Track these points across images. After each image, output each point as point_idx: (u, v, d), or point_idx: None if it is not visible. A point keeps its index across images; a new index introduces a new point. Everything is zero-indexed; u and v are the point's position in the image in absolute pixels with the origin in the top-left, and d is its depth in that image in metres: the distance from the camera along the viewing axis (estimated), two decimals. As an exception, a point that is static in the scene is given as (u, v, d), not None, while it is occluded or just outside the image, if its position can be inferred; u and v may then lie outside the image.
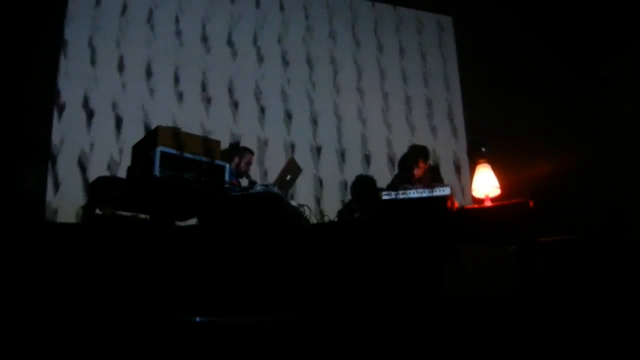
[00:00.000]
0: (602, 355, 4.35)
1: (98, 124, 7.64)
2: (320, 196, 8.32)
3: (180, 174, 4.86)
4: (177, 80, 8.19)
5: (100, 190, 4.91)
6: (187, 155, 4.96)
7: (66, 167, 7.30)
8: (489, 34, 8.79)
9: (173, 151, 4.89)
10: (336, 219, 6.34)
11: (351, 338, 4.52)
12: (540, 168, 7.35)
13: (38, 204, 6.90)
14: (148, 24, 8.28)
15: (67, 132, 7.45)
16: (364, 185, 7.29)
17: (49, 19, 7.67)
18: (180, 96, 8.13)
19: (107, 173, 7.15)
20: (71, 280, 4.33)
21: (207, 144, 5.28)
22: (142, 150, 5.03)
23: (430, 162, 6.96)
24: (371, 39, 9.36)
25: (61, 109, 7.51)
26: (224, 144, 6.82)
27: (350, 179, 8.01)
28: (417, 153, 6.71)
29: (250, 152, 6.90)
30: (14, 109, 6.95)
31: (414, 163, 6.59)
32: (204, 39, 8.52)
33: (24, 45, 7.24)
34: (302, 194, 7.87)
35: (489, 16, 8.83)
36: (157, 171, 4.72)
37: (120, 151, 7.52)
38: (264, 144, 8.29)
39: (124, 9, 8.21)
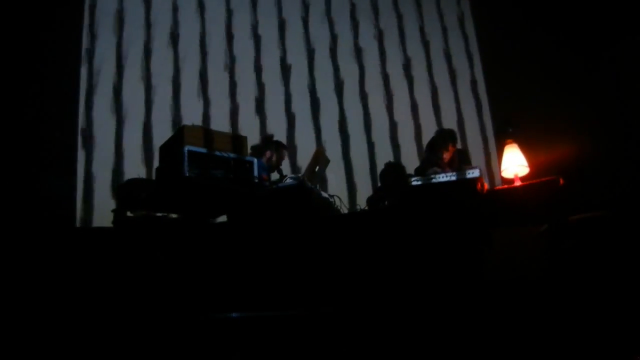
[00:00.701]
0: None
1: (127, 126, 7.70)
2: (350, 186, 8.31)
3: (208, 172, 4.88)
4: (203, 77, 8.22)
5: (129, 193, 4.94)
6: (215, 152, 4.99)
7: (97, 170, 7.38)
8: (508, 10, 8.70)
9: (200, 149, 4.92)
10: (366, 208, 6.33)
11: (391, 326, 4.52)
12: (569, 145, 7.27)
13: (68, 209, 6.96)
14: (172, 24, 8.34)
15: (95, 135, 7.53)
16: (393, 172, 7.27)
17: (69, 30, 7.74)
18: (205, 92, 8.15)
19: (136, 175, 7.20)
20: (109, 282, 4.37)
21: (234, 140, 5.30)
22: (170, 151, 5.07)
23: (458, 145, 6.91)
24: (393, 23, 9.31)
25: (89, 110, 7.59)
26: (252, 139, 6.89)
27: (380, 165, 8.02)
28: (446, 137, 6.66)
29: (284, 146, 6.89)
30: (35, 114, 7.01)
31: (443, 147, 6.54)
32: (229, 33, 8.54)
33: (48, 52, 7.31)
34: (333, 185, 7.88)
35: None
36: (185, 170, 4.75)
37: (149, 152, 7.58)
38: (291, 136, 8.29)
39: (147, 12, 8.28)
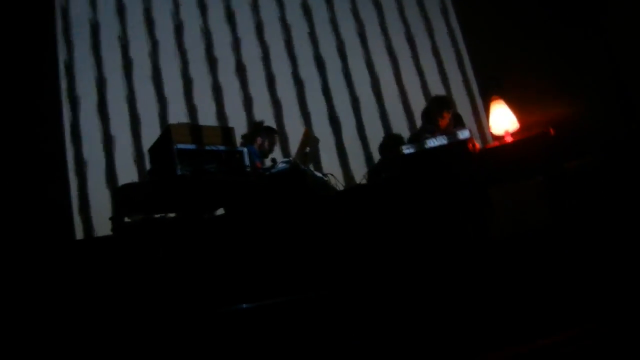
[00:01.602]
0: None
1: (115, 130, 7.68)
2: (344, 162, 8.29)
3: (200, 167, 4.88)
4: (185, 72, 8.18)
5: (125, 198, 4.94)
6: (204, 147, 4.99)
7: (91, 179, 7.36)
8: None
9: (190, 146, 4.92)
10: (365, 181, 6.34)
11: (401, 297, 4.53)
12: (556, 95, 7.24)
13: (65, 219, 6.95)
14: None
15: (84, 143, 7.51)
16: (390, 143, 7.28)
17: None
18: (189, 86, 8.11)
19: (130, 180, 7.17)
20: (115, 291, 4.38)
21: (223, 132, 5.30)
22: (159, 151, 5.07)
23: (453, 109, 6.90)
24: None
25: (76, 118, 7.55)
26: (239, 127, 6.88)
27: (371, 137, 8.03)
28: (440, 104, 6.65)
29: (274, 131, 6.89)
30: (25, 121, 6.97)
31: (438, 115, 6.52)
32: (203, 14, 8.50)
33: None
34: (326, 163, 7.88)
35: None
36: (177, 169, 4.76)
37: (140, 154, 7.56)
38: (278, 120, 8.26)
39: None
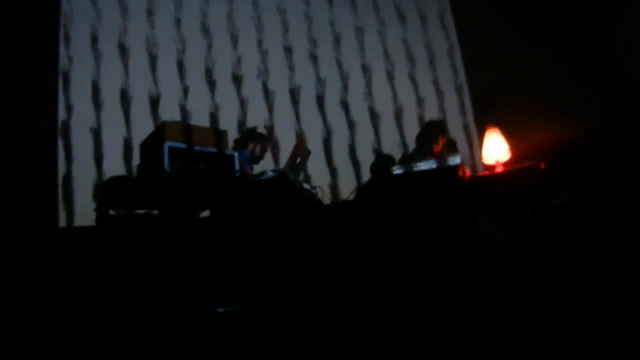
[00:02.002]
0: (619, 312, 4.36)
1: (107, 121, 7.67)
2: (333, 177, 8.30)
3: (189, 167, 4.88)
4: (181, 71, 8.18)
5: (111, 191, 4.92)
6: (196, 147, 4.98)
7: (79, 167, 7.34)
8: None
9: (181, 145, 4.91)
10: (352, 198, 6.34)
11: (375, 314, 4.53)
12: (550, 130, 7.28)
13: (51, 208, 6.93)
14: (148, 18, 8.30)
15: (76, 134, 7.49)
16: (382, 164, 7.29)
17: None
18: (185, 87, 8.11)
19: (119, 172, 7.16)
20: (92, 281, 4.35)
21: (215, 134, 5.30)
22: (151, 147, 5.06)
23: (448, 135, 6.90)
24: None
25: (69, 111, 7.53)
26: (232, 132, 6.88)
27: (362, 156, 8.05)
28: (435, 129, 6.64)
29: (266, 138, 6.89)
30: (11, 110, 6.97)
31: (433, 140, 6.52)
32: (204, 26, 8.51)
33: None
34: (315, 177, 7.89)
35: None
36: (166, 167, 4.75)
37: (131, 148, 7.55)
38: (270, 128, 8.27)
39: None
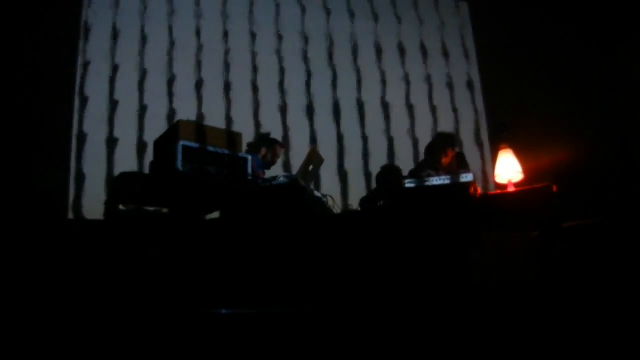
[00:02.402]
0: (625, 342, 4.32)
1: (121, 118, 7.71)
2: (344, 186, 8.30)
3: (202, 167, 4.88)
4: (198, 73, 8.22)
5: (122, 186, 4.92)
6: (209, 148, 4.99)
7: (90, 163, 7.37)
8: (506, 16, 8.74)
9: (195, 145, 4.91)
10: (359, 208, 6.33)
11: (377, 326, 4.52)
12: (563, 152, 7.27)
13: (60, 200, 6.95)
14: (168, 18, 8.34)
15: (90, 127, 7.52)
16: (388, 174, 7.26)
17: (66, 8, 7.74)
18: (201, 89, 8.15)
19: (131, 168, 7.19)
20: (95, 276, 4.36)
21: (229, 136, 5.30)
22: (164, 145, 5.06)
23: (457, 148, 6.88)
24: (390, 22, 9.31)
25: (84, 103, 7.58)
26: (248, 136, 6.90)
27: (374, 166, 8.05)
28: (444, 141, 6.63)
29: (279, 143, 6.90)
30: (29, 102, 7.01)
31: (442, 151, 6.50)
32: (224, 31, 8.54)
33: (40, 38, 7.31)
34: (327, 185, 7.90)
35: (504, 2, 8.82)
36: (179, 165, 4.75)
37: (144, 146, 7.58)
38: (285, 134, 8.29)
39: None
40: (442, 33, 9.46)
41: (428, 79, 9.14)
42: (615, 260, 4.76)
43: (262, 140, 6.94)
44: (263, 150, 6.68)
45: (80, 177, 7.26)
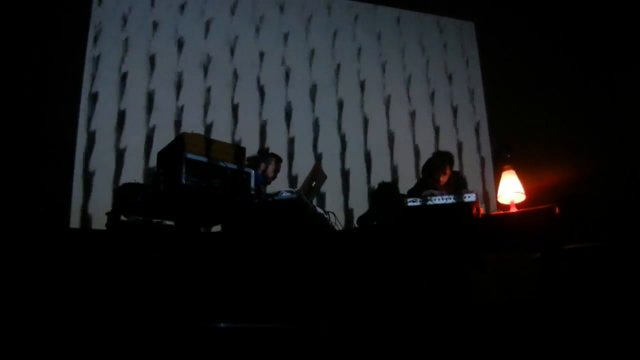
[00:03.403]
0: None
1: (128, 130, 7.74)
2: (347, 202, 8.31)
3: (205, 181, 4.89)
4: (207, 86, 8.26)
5: (125, 197, 4.92)
6: (213, 161, 5.00)
7: (98, 173, 7.41)
8: (510, 41, 8.78)
9: (199, 158, 4.92)
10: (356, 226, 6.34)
11: (376, 345, 4.51)
12: (566, 174, 7.28)
13: (62, 210, 6.97)
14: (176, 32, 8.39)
15: (97, 138, 7.56)
16: (386, 192, 7.26)
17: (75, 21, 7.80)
18: (208, 103, 8.18)
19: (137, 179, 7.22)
20: (95, 286, 4.36)
21: (233, 150, 5.31)
22: (168, 157, 5.07)
23: (456, 167, 6.88)
24: (395, 43, 9.35)
25: (91, 114, 7.63)
26: (253, 151, 6.93)
27: (376, 185, 8.07)
28: (443, 159, 6.62)
29: (277, 158, 6.90)
30: (34, 112, 7.04)
31: (440, 170, 6.50)
32: (231, 44, 8.59)
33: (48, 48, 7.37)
34: (330, 201, 7.92)
35: (510, 23, 8.85)
36: (182, 178, 4.76)
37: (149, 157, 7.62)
38: (290, 151, 8.31)
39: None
40: (445, 52, 9.47)
41: (432, 99, 9.15)
42: (617, 282, 4.76)
43: (261, 155, 6.97)
44: (262, 166, 6.70)
45: (87, 186, 7.30)
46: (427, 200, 5.24)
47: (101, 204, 6.78)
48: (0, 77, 7.00)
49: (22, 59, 7.16)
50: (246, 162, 5.41)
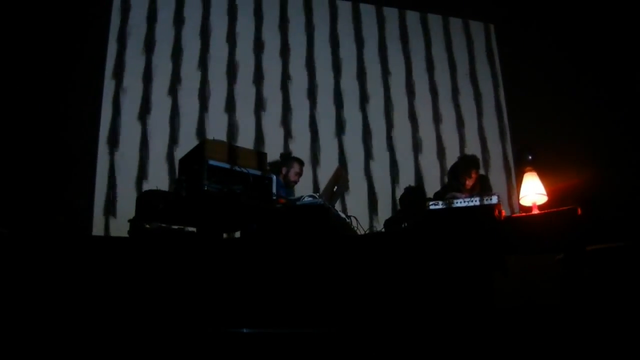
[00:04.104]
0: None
1: (152, 136, 7.80)
2: (372, 207, 8.30)
3: (227, 187, 4.91)
4: (230, 93, 8.29)
5: (147, 204, 4.95)
6: (235, 167, 5.02)
7: (123, 181, 7.48)
8: (532, 43, 8.74)
9: (221, 164, 4.95)
10: (383, 230, 6.33)
11: (398, 349, 4.50)
12: (587, 174, 7.23)
13: (85, 217, 7.03)
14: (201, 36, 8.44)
15: (122, 145, 7.63)
16: (413, 196, 7.26)
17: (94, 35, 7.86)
18: (232, 108, 8.20)
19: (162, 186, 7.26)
20: (119, 293, 4.39)
21: (255, 156, 5.34)
22: (190, 164, 5.11)
23: (480, 171, 6.87)
24: (420, 48, 9.33)
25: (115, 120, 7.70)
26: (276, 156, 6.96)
27: (402, 188, 8.07)
28: (469, 163, 6.63)
29: (299, 161, 6.92)
30: (55, 119, 7.11)
31: (466, 173, 6.51)
32: (257, 48, 8.64)
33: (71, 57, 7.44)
34: (353, 205, 7.93)
35: (531, 25, 8.81)
36: (204, 184, 4.79)
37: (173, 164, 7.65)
38: (314, 156, 8.32)
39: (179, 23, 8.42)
40: (470, 57, 9.44)
41: (456, 101, 9.12)
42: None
43: (283, 159, 6.98)
44: (284, 170, 6.72)
45: (110, 194, 7.37)
46: (450, 203, 5.24)
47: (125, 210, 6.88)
48: (21, 83, 7.04)
49: (44, 66, 7.22)
50: (267, 167, 5.43)
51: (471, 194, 6.07)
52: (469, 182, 6.48)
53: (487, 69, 9.40)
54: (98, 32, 7.90)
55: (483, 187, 6.50)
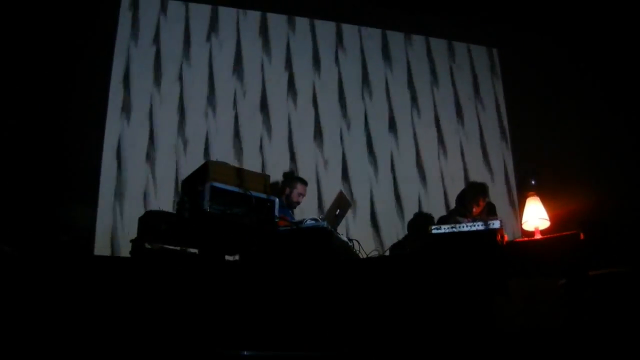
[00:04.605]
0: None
1: (159, 158, 7.80)
2: (374, 230, 8.28)
3: (229, 209, 4.92)
4: (236, 116, 8.29)
5: (150, 224, 4.96)
6: (237, 189, 5.03)
7: (130, 201, 7.47)
8: (534, 67, 8.74)
9: (223, 186, 4.97)
10: (387, 253, 6.32)
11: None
12: (591, 199, 7.22)
13: (87, 237, 7.01)
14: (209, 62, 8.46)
15: (126, 165, 7.63)
16: (419, 222, 7.26)
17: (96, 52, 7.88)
18: (237, 131, 8.20)
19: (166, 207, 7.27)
20: (120, 312, 4.38)
21: (257, 178, 5.35)
22: (192, 185, 5.12)
23: (488, 199, 6.84)
24: (424, 70, 9.34)
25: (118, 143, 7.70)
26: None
27: (406, 210, 8.06)
28: (477, 191, 6.61)
29: (302, 181, 6.92)
30: (58, 137, 7.12)
31: (474, 201, 6.49)
32: (264, 73, 8.65)
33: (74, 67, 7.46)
34: (356, 228, 7.91)
35: (534, 49, 8.82)
36: (206, 206, 4.80)
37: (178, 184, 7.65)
38: (318, 177, 8.31)
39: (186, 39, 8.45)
40: (474, 80, 9.44)
41: (461, 123, 9.11)
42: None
43: (285, 179, 6.98)
44: (287, 190, 6.71)
45: (114, 213, 7.36)
46: (452, 228, 5.23)
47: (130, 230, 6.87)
48: (23, 96, 7.05)
49: (48, 78, 7.22)
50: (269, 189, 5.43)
51: (474, 218, 6.06)
52: (476, 210, 6.47)
53: (491, 93, 9.40)
54: (101, 72, 7.90)
55: (489, 214, 6.47)
